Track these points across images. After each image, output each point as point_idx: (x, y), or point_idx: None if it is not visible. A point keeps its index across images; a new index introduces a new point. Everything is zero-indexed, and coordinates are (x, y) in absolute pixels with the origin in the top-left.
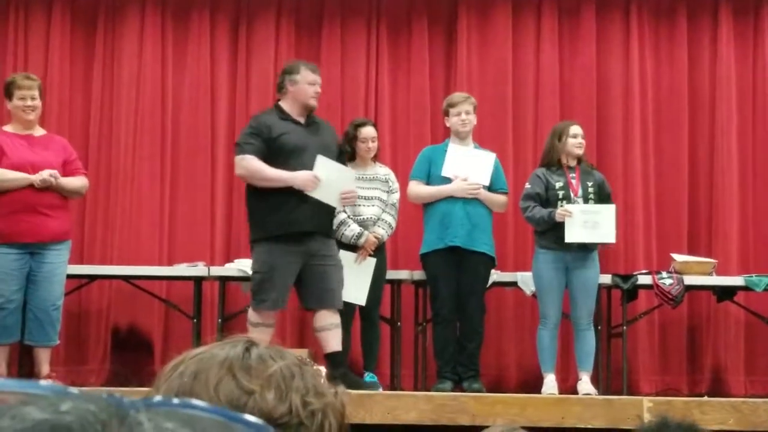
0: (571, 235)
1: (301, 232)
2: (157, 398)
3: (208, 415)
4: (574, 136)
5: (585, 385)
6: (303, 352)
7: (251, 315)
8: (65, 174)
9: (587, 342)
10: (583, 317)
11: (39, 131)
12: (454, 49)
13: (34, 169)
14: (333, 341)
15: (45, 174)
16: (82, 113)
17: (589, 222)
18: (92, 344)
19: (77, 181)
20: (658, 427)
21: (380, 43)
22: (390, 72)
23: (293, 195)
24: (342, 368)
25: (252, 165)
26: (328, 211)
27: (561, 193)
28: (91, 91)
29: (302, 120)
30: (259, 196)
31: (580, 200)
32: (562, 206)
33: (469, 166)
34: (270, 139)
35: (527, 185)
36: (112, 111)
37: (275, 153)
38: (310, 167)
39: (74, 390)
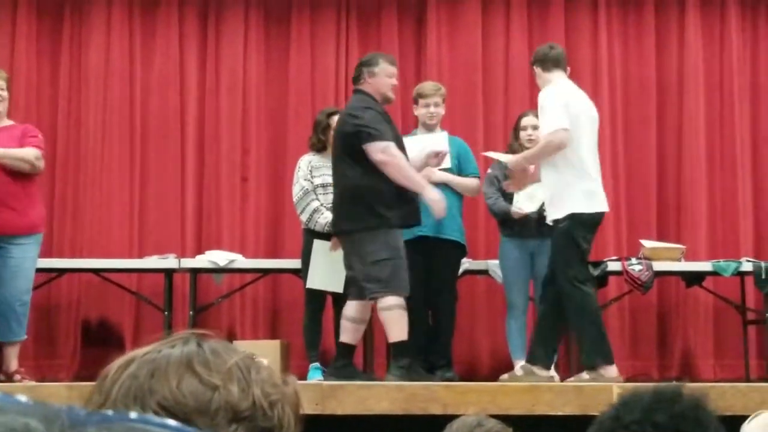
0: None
1: (405, 225)
2: (115, 413)
3: (164, 430)
4: (524, 128)
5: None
6: (276, 344)
7: (387, 301)
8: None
9: None
10: None
11: (5, 122)
12: (424, 38)
13: None
14: (352, 334)
15: None
16: (50, 106)
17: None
18: (62, 338)
19: (22, 151)
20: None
21: (350, 33)
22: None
23: (402, 188)
24: (344, 360)
25: (399, 157)
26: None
27: None
28: (58, 84)
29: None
30: (387, 182)
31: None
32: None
33: (424, 152)
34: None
35: (489, 170)
36: (80, 104)
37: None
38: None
39: (23, 400)
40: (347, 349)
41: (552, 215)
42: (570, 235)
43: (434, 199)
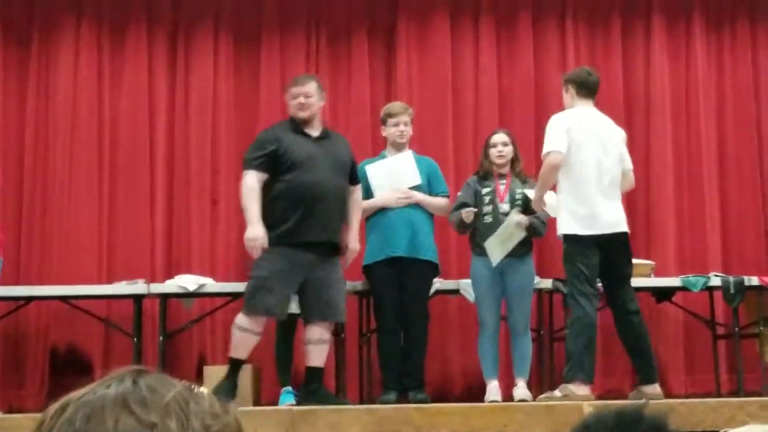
0: (493, 256)
1: (306, 242)
2: None
3: None
4: (494, 146)
5: (521, 390)
6: (247, 368)
7: (240, 319)
8: None
9: (523, 347)
10: (519, 322)
11: None
12: (394, 58)
13: None
14: (317, 356)
15: None
16: (17, 129)
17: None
18: (30, 367)
19: None
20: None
21: (320, 53)
22: (330, 82)
23: (300, 205)
24: (315, 384)
25: (249, 183)
26: (335, 223)
27: (487, 199)
28: (26, 106)
29: (315, 133)
30: (270, 203)
31: (507, 206)
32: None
33: (393, 175)
34: (275, 151)
35: (458, 194)
36: (47, 126)
37: (282, 164)
38: (317, 179)
39: None
40: (315, 373)
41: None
42: (566, 254)
43: (249, 237)
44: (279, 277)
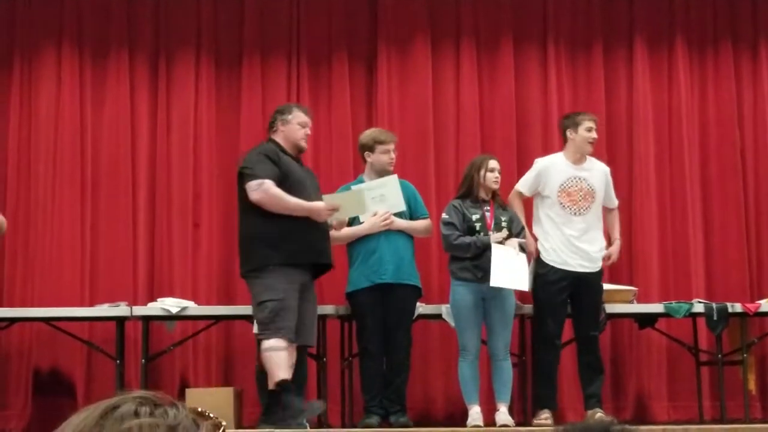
0: (496, 279)
1: (307, 264)
2: None
3: None
4: (492, 170)
5: (502, 415)
6: (229, 391)
7: (268, 343)
8: None
9: (504, 373)
10: (500, 348)
11: None
12: (375, 83)
13: None
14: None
15: None
16: None
17: (509, 266)
18: (12, 388)
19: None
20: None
21: (301, 79)
22: (311, 105)
23: (306, 224)
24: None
25: (273, 190)
26: (329, 247)
27: (478, 226)
28: (8, 131)
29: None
30: (271, 221)
31: (493, 233)
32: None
33: (377, 199)
34: (280, 168)
35: (444, 215)
36: (30, 151)
37: (283, 183)
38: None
39: None
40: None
41: None
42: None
43: (315, 210)
44: (293, 297)
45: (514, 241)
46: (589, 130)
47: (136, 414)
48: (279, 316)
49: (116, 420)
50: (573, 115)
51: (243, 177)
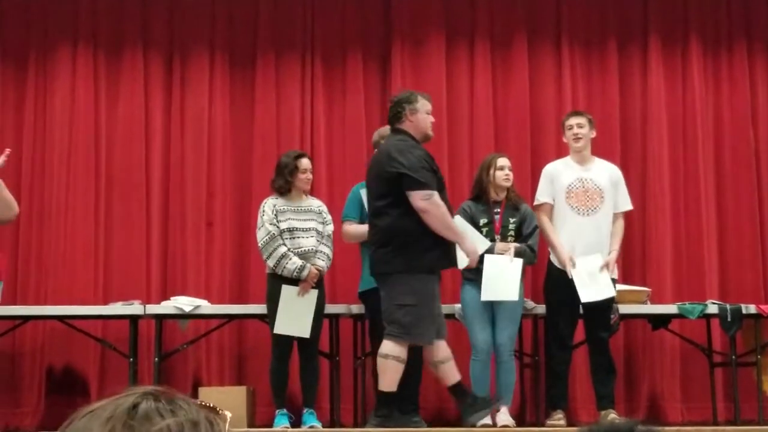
0: (486, 294)
1: (440, 270)
2: None
3: None
4: (501, 168)
5: (503, 416)
6: (242, 390)
7: (387, 347)
8: None
9: (507, 374)
10: (505, 344)
11: None
12: (389, 80)
13: None
14: (451, 374)
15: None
16: (14, 151)
17: (501, 276)
18: (26, 386)
19: (11, 197)
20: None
21: (315, 77)
22: (325, 105)
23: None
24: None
25: (441, 206)
26: None
27: (485, 230)
28: (23, 130)
29: None
30: (423, 229)
31: (499, 238)
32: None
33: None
34: (432, 169)
35: (456, 217)
36: (44, 149)
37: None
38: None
39: None
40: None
41: None
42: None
43: (471, 250)
44: (435, 304)
45: (511, 249)
46: (570, 128)
47: (159, 412)
48: (419, 323)
49: (144, 419)
50: (564, 119)
51: (404, 179)
